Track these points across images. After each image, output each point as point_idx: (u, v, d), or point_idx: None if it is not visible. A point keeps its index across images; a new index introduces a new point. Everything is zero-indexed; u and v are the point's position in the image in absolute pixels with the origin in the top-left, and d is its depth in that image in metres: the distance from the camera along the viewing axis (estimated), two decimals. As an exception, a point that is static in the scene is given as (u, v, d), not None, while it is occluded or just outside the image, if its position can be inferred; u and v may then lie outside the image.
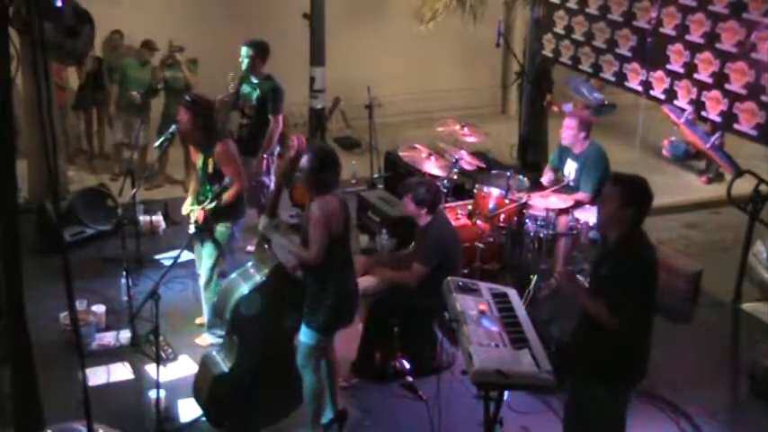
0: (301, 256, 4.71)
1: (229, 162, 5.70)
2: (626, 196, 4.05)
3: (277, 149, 7.42)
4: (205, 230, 5.75)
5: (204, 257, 5.92)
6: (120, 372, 5.75)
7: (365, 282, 5.59)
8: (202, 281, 5.97)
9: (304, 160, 4.72)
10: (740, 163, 7.25)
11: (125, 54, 9.16)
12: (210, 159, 5.71)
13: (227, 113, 7.48)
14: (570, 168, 6.86)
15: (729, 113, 6.48)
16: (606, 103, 9.43)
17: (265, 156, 7.24)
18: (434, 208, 5.70)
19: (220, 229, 5.82)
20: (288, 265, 4.81)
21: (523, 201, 6.74)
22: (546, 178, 7.07)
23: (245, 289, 4.84)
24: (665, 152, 10.34)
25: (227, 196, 5.62)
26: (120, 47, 9.31)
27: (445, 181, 7.00)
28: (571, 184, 6.83)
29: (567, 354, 4.61)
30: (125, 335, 6.08)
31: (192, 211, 5.84)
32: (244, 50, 7.16)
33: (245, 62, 7.16)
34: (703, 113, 6.76)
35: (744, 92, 6.35)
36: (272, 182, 7.25)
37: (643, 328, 4.16)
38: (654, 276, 4.13)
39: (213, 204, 5.64)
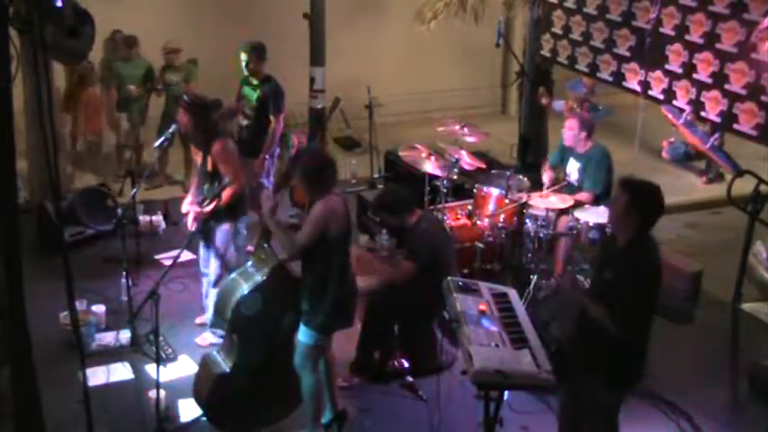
0: (287, 245, 4.73)
1: (227, 161, 5.70)
2: (631, 205, 4.03)
3: (277, 151, 7.42)
4: (205, 230, 5.75)
5: (211, 257, 5.92)
6: (120, 372, 5.75)
7: (363, 282, 5.59)
8: (211, 279, 5.97)
9: (302, 163, 4.75)
10: (740, 163, 7.25)
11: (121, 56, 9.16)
12: (210, 158, 5.71)
13: (230, 118, 7.50)
14: (572, 168, 6.86)
15: (729, 114, 6.48)
16: (597, 104, 9.39)
17: (266, 157, 7.24)
18: (411, 208, 5.68)
19: (224, 228, 5.83)
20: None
21: (523, 201, 6.75)
22: (546, 176, 7.07)
23: (244, 288, 4.84)
24: (664, 154, 10.34)
25: (225, 195, 5.63)
26: (120, 49, 9.27)
27: (445, 181, 7.00)
28: (573, 183, 6.83)
29: (566, 354, 4.61)
30: (125, 335, 6.09)
31: (191, 210, 5.84)
32: (242, 53, 7.22)
33: (243, 64, 7.21)
34: (702, 114, 6.76)
35: (744, 92, 6.35)
36: (271, 184, 7.25)
37: (643, 331, 4.16)
38: (657, 284, 4.12)
39: (213, 204, 5.64)
